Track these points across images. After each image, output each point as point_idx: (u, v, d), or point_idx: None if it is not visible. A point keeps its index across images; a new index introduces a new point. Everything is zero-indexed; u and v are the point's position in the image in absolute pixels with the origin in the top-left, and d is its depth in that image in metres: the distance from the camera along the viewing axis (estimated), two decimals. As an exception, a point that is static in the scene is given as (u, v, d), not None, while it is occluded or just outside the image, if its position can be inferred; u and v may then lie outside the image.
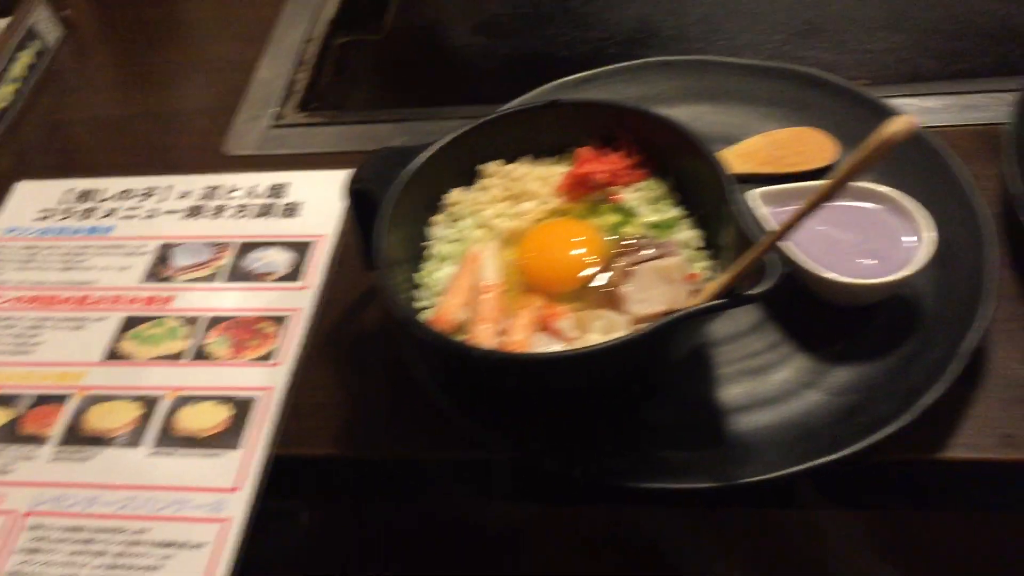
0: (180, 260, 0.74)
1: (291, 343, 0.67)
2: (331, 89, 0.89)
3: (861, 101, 0.70)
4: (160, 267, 0.73)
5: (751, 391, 0.59)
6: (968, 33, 0.83)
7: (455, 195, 0.63)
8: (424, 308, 0.59)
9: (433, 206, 0.63)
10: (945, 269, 0.60)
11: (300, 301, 0.70)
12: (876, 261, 0.59)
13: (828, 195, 0.43)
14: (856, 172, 0.41)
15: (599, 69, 0.76)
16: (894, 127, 0.38)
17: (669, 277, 0.56)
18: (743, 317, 0.62)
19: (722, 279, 0.51)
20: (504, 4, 0.96)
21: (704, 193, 0.58)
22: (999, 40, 0.81)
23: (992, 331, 0.59)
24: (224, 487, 0.60)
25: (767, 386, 0.59)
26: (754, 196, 0.62)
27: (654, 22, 0.90)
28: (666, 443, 0.57)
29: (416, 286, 0.60)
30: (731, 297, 0.50)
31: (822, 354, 0.59)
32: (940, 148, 0.65)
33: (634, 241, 0.58)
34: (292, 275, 0.71)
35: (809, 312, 0.61)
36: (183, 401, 0.65)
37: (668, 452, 0.56)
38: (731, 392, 0.59)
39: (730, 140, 0.71)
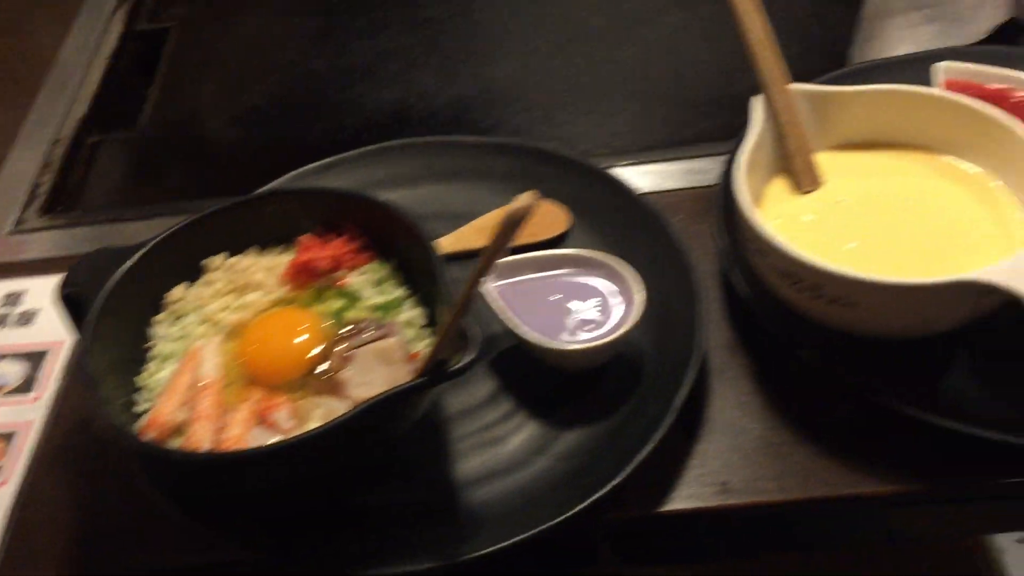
0: (-99, 381, 0.69)
1: (19, 460, 0.63)
2: (79, 190, 0.87)
3: (589, 172, 0.73)
4: None
5: (485, 463, 0.59)
6: (695, 101, 0.88)
7: (177, 292, 0.62)
8: (145, 411, 0.57)
9: (156, 305, 0.61)
10: (663, 327, 0.63)
11: (32, 413, 0.66)
12: (593, 326, 0.61)
13: (483, 272, 0.45)
14: (499, 248, 0.43)
15: (343, 155, 0.77)
16: (516, 204, 0.40)
17: (390, 358, 0.56)
18: (479, 388, 0.63)
19: (425, 358, 0.52)
20: (262, 95, 0.97)
21: (422, 272, 0.59)
22: (722, 106, 0.87)
23: (709, 381, 0.62)
24: (-62, 624, 0.56)
25: (500, 457, 0.59)
26: (479, 271, 0.63)
27: (407, 106, 0.93)
28: (400, 524, 0.56)
29: (138, 389, 0.58)
30: (430, 376, 0.50)
31: (552, 420, 0.61)
32: (659, 212, 0.69)
33: (355, 325, 0.58)
34: (25, 386, 0.68)
35: (540, 380, 0.62)
36: None
37: (402, 533, 0.56)
38: (467, 466, 0.59)
39: (469, 216, 0.72)
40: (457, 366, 0.50)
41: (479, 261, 0.45)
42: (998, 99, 0.67)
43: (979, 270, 0.51)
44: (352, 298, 0.61)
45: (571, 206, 0.72)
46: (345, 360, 0.56)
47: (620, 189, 0.71)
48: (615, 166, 0.78)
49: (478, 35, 0.99)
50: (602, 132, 0.87)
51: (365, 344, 0.57)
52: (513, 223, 0.40)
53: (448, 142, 0.77)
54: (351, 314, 0.60)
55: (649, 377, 0.61)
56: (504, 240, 0.41)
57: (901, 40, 0.81)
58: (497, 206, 0.73)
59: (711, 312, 0.65)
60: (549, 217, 0.72)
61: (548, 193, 0.73)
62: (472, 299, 0.47)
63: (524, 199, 0.39)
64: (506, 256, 0.44)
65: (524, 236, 0.69)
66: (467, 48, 0.98)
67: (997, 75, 0.69)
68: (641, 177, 0.77)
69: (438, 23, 1.01)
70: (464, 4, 1.02)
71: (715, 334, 0.64)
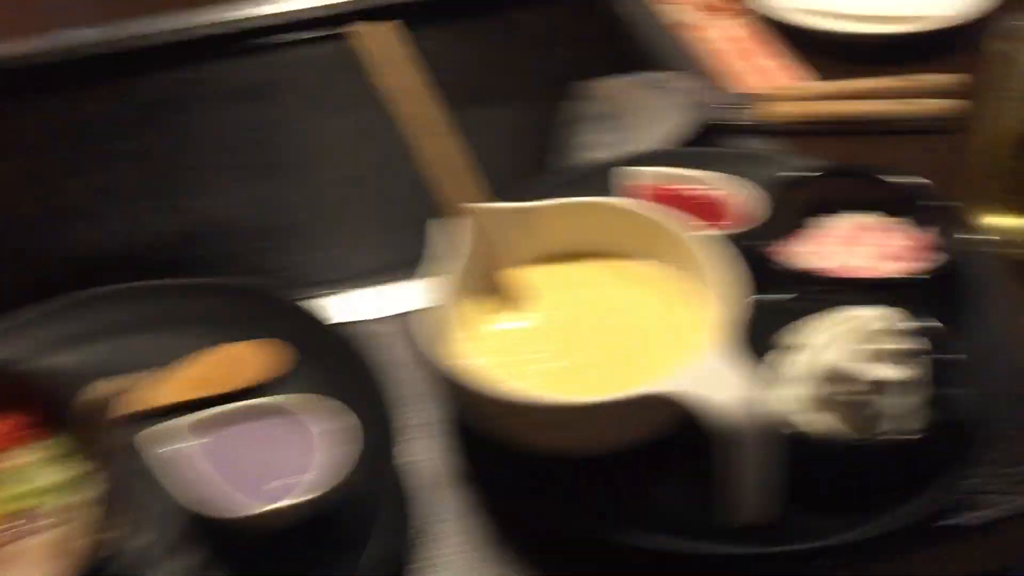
0: None
1: None
2: None
3: (298, 310, 0.70)
4: None
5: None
6: (419, 222, 0.88)
7: None
8: None
9: None
10: (375, 467, 0.60)
11: None
12: (290, 482, 0.57)
13: (102, 460, 0.41)
14: (97, 437, 0.40)
15: (28, 310, 0.72)
16: (87, 396, 0.37)
17: (64, 550, 0.51)
18: (183, 561, 0.58)
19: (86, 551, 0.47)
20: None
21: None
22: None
23: (430, 522, 0.60)
24: None
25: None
26: (180, 427, 0.58)
27: (128, 245, 0.89)
28: None
29: None
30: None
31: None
32: (369, 346, 0.66)
33: (24, 516, 0.53)
34: None
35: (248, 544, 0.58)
36: None
37: None
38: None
39: (164, 366, 0.68)
40: (117, 559, 0.45)
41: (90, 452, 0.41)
42: (676, 198, 0.70)
43: (647, 384, 0.51)
44: (21, 482, 0.55)
45: (285, 345, 0.69)
46: (8, 560, 0.51)
47: (329, 326, 0.69)
48: (338, 293, 0.76)
49: (200, 166, 0.97)
50: (326, 259, 0.86)
51: (33, 535, 0.52)
52: (91, 417, 0.37)
53: (141, 287, 0.73)
54: (20, 503, 0.54)
55: (365, 527, 0.58)
56: (99, 433, 0.38)
57: (599, 145, 0.84)
58: (196, 353, 0.69)
59: (429, 448, 0.63)
60: (254, 360, 0.68)
61: (263, 332, 0.70)
62: (115, 482, 0.43)
63: (95, 389, 0.36)
64: (111, 444, 0.40)
65: (229, 383, 0.67)
66: (190, 181, 0.95)
67: (677, 176, 0.72)
68: (361, 303, 0.76)
69: (158, 156, 0.98)
70: (184, 136, 0.99)
71: (435, 469, 0.62)
